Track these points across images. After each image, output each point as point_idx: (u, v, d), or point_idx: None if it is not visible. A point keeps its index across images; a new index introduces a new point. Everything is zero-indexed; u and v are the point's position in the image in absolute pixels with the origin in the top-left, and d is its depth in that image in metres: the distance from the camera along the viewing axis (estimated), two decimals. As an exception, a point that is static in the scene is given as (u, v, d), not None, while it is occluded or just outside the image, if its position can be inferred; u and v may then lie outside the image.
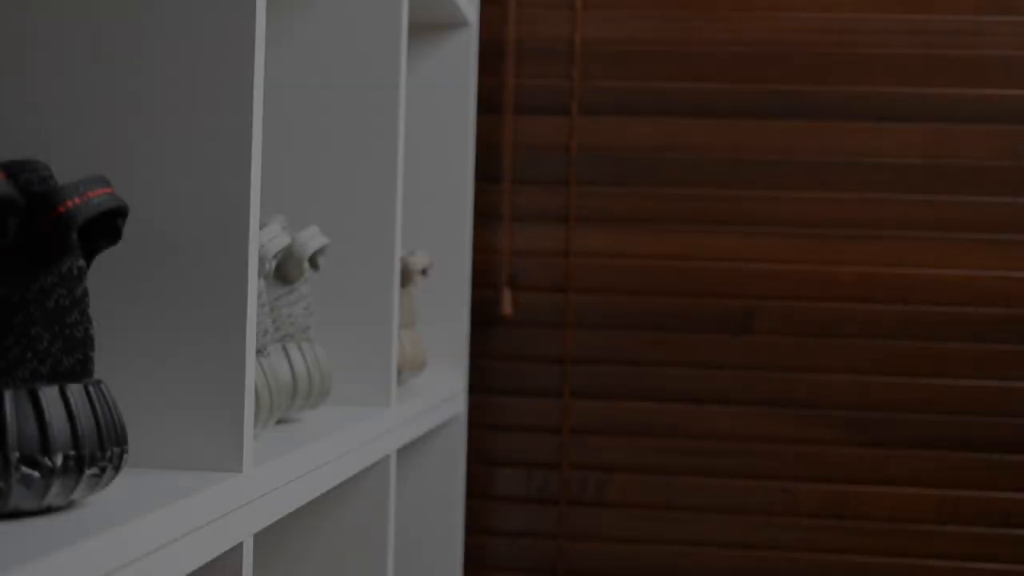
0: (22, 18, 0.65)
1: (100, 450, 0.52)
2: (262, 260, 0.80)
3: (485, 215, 1.53)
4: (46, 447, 0.49)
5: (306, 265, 0.89)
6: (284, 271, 0.88)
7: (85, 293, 0.53)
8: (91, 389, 0.52)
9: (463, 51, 1.44)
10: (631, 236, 1.52)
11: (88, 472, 0.51)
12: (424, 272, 1.28)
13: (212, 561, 0.64)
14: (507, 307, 1.52)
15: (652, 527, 1.51)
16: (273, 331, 0.86)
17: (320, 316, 1.03)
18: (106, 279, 0.65)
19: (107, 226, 0.55)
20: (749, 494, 1.50)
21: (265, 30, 0.74)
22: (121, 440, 0.53)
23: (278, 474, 0.71)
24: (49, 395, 0.50)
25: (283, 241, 0.82)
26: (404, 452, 1.44)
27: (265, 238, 0.80)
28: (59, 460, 0.50)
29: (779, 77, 1.50)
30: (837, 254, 1.49)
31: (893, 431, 1.48)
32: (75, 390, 0.51)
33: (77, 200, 0.52)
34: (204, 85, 0.64)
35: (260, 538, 1.03)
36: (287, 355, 0.86)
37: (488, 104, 1.54)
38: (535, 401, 1.53)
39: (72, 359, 0.52)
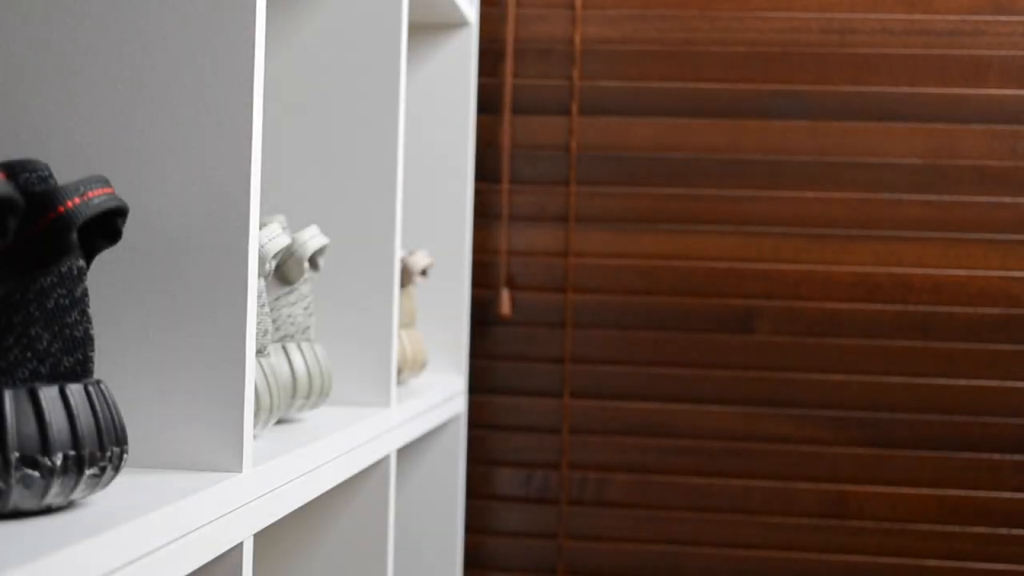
0: (22, 18, 0.65)
1: (100, 450, 0.52)
2: (262, 260, 0.80)
3: (485, 215, 1.53)
4: (46, 447, 0.49)
5: (306, 265, 0.89)
6: (284, 271, 0.88)
7: (85, 293, 0.53)
8: (91, 389, 0.52)
9: (463, 51, 1.44)
10: (631, 236, 1.52)
11: (88, 472, 0.51)
12: (424, 272, 1.28)
13: (212, 561, 0.64)
14: (505, 307, 1.52)
15: (652, 527, 1.51)
16: (273, 331, 0.86)
17: (320, 316, 1.03)
18: (106, 279, 0.65)
19: (107, 226, 0.55)
20: (749, 494, 1.50)
21: (265, 30, 0.74)
22: (121, 440, 0.53)
23: (278, 474, 0.71)
24: (49, 395, 0.50)
25: (283, 241, 0.82)
26: (404, 452, 1.43)
27: (265, 238, 0.80)
28: (59, 460, 0.50)
29: (779, 77, 1.50)
30: (837, 254, 1.49)
31: (893, 431, 1.48)
32: (75, 390, 0.51)
33: (77, 200, 0.52)
34: (204, 85, 0.64)
35: (260, 538, 1.03)
36: (287, 355, 0.86)
37: (488, 104, 1.54)
38: (535, 401, 1.53)
39: (72, 359, 0.52)
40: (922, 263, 1.48)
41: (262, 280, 0.79)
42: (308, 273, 0.90)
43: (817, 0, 1.49)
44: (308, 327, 0.89)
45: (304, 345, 0.88)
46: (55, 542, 0.46)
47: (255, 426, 0.76)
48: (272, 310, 0.87)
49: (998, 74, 1.47)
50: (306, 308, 0.89)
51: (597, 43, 1.52)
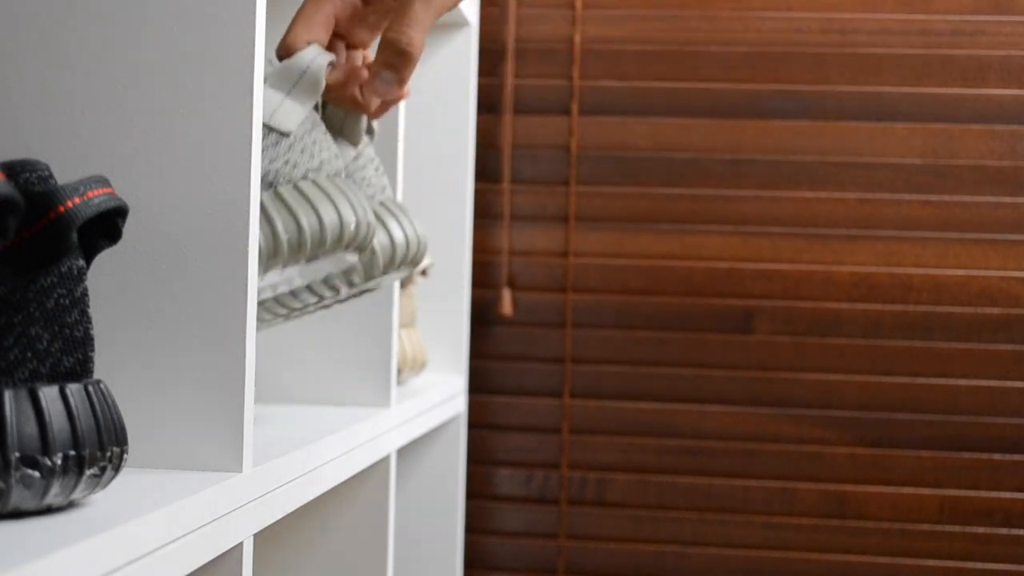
0: (22, 18, 0.65)
1: (100, 450, 0.52)
2: (315, 82, 0.76)
3: (485, 215, 1.53)
4: (46, 447, 0.49)
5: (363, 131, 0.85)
6: (346, 134, 0.84)
7: (85, 293, 0.53)
8: (91, 389, 0.52)
9: (463, 51, 1.44)
10: (631, 236, 1.52)
11: (88, 472, 0.51)
12: (424, 272, 1.28)
13: (212, 561, 0.64)
14: (507, 307, 1.52)
15: (652, 527, 1.51)
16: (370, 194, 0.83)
17: (320, 316, 1.03)
18: (106, 279, 0.65)
19: (107, 226, 0.55)
20: (749, 494, 1.50)
21: (265, 30, 0.74)
22: (121, 440, 0.53)
23: (278, 474, 0.71)
24: (49, 395, 0.50)
25: (327, 57, 0.77)
26: (404, 452, 1.43)
27: (308, 57, 0.76)
28: (59, 460, 0.50)
29: (779, 77, 1.50)
30: (837, 254, 1.49)
31: (893, 431, 1.48)
32: (75, 390, 0.51)
33: (77, 200, 0.52)
34: (204, 85, 0.64)
35: (260, 538, 1.03)
36: (383, 223, 0.82)
37: (488, 104, 1.54)
38: (535, 401, 1.53)
39: (72, 359, 0.52)
40: (922, 263, 1.48)
41: (334, 144, 0.75)
42: (365, 138, 0.87)
43: (817, 0, 1.49)
44: (385, 186, 0.86)
45: (397, 210, 0.85)
46: (55, 542, 0.46)
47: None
48: (349, 175, 0.83)
49: (998, 74, 1.47)
50: (377, 168, 0.86)
51: (597, 43, 1.52)
